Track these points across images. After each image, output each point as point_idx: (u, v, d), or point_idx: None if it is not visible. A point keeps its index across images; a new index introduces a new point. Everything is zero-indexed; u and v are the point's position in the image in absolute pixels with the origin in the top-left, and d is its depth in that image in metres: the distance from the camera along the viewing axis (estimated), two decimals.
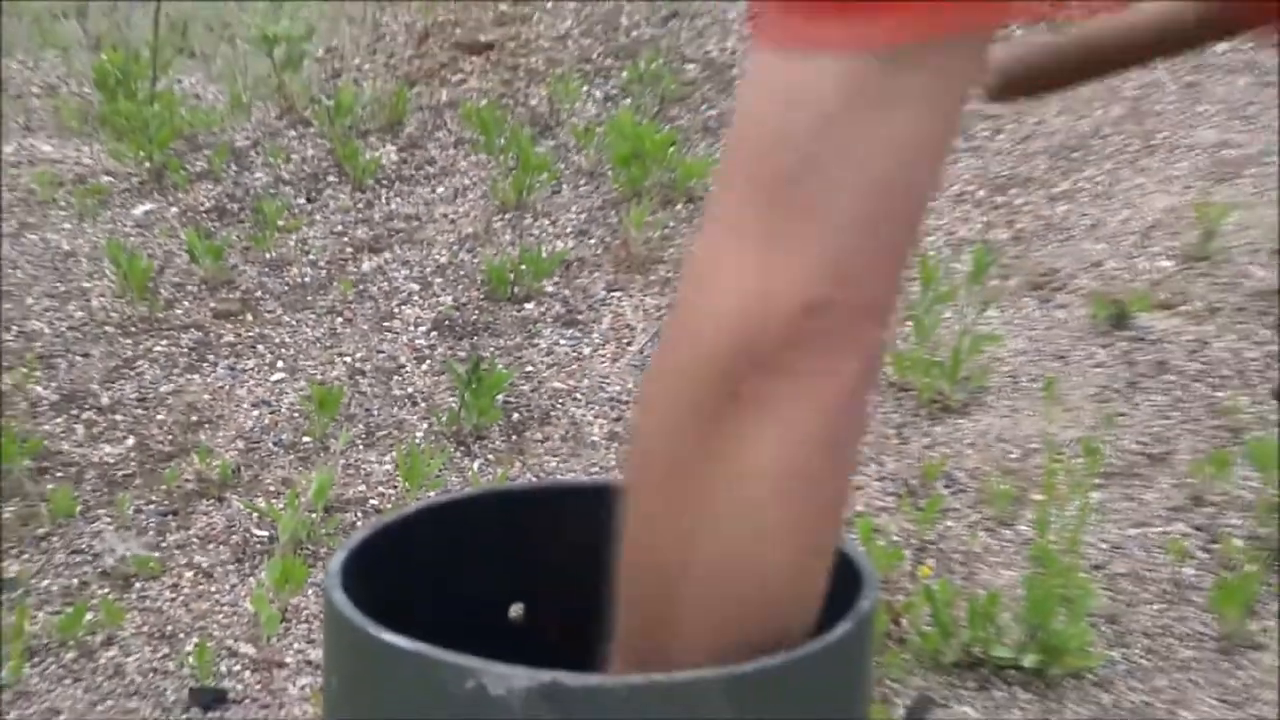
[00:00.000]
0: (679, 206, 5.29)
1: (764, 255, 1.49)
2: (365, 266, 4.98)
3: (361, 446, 4.25)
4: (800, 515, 1.55)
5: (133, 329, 4.62)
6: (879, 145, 1.52)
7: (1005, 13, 1.55)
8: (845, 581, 1.88)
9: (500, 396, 4.37)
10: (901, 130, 1.53)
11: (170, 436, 4.26)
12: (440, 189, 5.21)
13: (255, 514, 3.96)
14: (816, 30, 1.49)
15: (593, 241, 5.06)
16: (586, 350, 4.63)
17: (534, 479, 4.08)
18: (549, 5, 6.11)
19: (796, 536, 1.60)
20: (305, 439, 4.27)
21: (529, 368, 4.59)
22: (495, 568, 2.11)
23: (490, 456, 4.23)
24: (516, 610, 2.09)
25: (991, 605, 3.52)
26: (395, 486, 4.08)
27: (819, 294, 1.50)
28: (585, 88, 5.69)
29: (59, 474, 4.09)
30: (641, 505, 1.63)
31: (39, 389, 4.39)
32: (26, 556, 3.83)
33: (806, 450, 1.57)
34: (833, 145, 1.52)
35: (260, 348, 4.58)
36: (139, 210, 5.14)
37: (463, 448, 4.24)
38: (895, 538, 3.87)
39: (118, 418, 4.34)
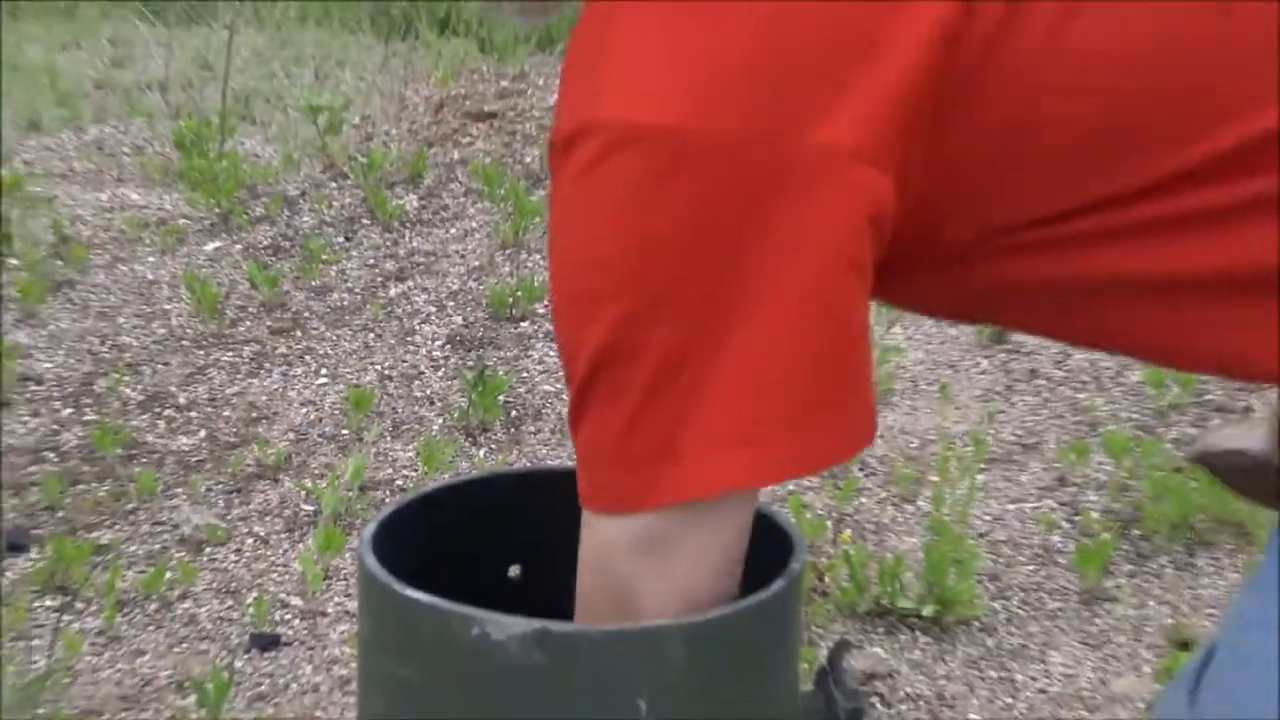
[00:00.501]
0: None
1: None
2: (392, 292, 4.96)
3: (389, 438, 4.24)
4: None
5: (204, 342, 4.61)
6: (668, 583, 1.62)
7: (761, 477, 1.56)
8: (779, 546, 1.86)
9: (501, 397, 4.35)
10: (680, 567, 1.61)
11: (234, 429, 4.25)
12: (453, 230, 5.20)
13: (303, 492, 3.96)
14: (608, 500, 1.58)
15: None
16: None
17: (529, 464, 4.10)
18: (540, 82, 6.11)
19: None
20: (343, 431, 4.25)
21: (524, 374, 4.56)
22: (499, 536, 2.10)
23: (493, 446, 4.21)
24: (514, 570, 2.10)
25: (897, 566, 3.53)
26: (416, 470, 4.07)
27: None
28: None
29: (144, 460, 4.08)
30: None
31: (128, 391, 4.37)
32: (118, 527, 3.81)
33: None
34: (636, 581, 1.62)
35: (307, 358, 4.57)
36: (209, 247, 5.13)
37: (471, 439, 4.22)
38: (819, 511, 3.86)
39: (192, 414, 4.33)
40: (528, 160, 5.64)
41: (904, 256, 1.50)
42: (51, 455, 4.11)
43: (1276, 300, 1.50)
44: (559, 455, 4.18)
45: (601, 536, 1.62)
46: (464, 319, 4.84)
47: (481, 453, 4.20)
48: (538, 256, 5.11)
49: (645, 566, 1.61)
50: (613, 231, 1.44)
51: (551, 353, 4.59)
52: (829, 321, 1.46)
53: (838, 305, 1.46)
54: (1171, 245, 1.49)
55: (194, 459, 4.11)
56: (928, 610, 3.50)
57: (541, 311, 4.76)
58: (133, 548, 3.75)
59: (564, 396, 4.47)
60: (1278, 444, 2.25)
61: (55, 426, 4.23)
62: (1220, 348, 1.59)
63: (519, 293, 4.88)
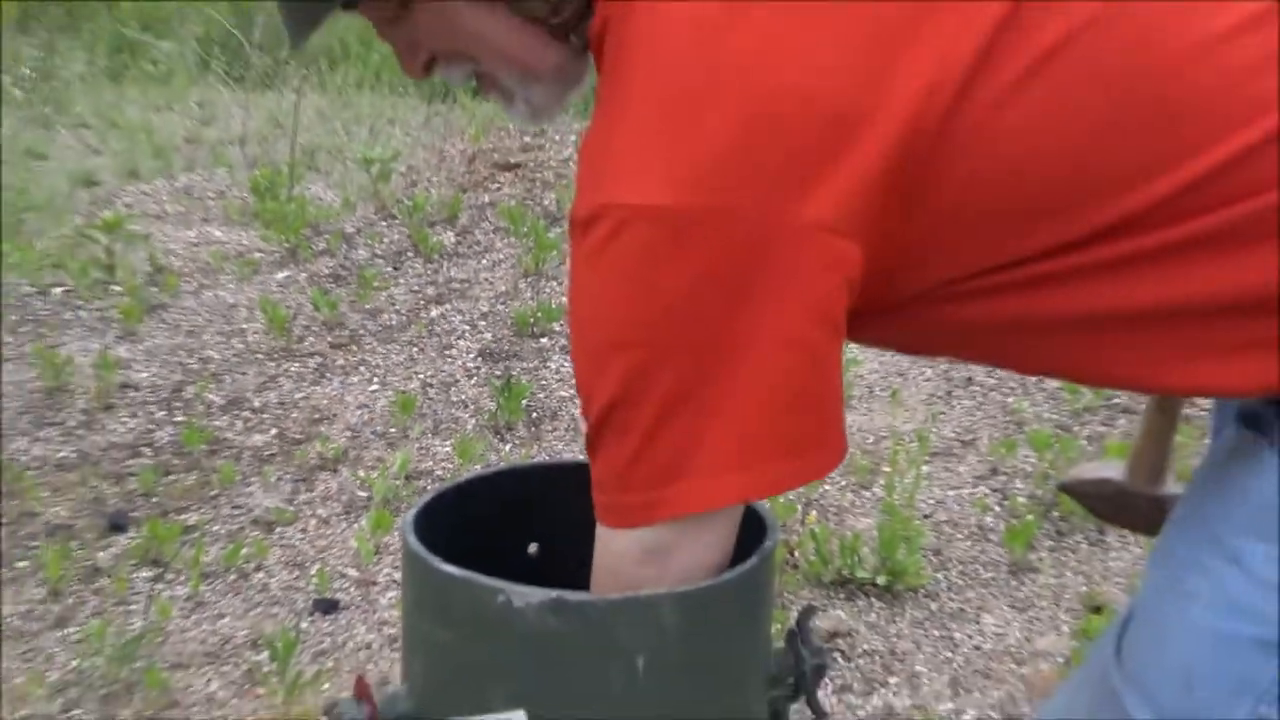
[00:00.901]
0: None
1: None
2: (433, 313, 4.97)
3: (430, 435, 4.23)
4: None
5: (275, 355, 4.62)
6: (668, 582, 1.65)
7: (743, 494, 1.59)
8: (755, 528, 1.86)
9: (524, 401, 4.34)
10: (678, 568, 1.65)
11: (300, 428, 4.26)
12: (483, 261, 5.21)
13: (358, 481, 3.95)
14: (617, 517, 1.61)
15: None
16: None
17: (547, 458, 4.09)
18: (556, 138, 6.11)
19: None
20: (391, 430, 4.25)
21: (544, 382, 4.57)
22: (521, 519, 2.11)
23: (517, 442, 4.21)
24: (533, 548, 2.10)
25: (855, 542, 3.53)
26: (452, 463, 4.07)
27: None
28: None
29: (225, 454, 4.10)
30: None
31: (211, 396, 4.38)
32: (202, 510, 3.81)
33: None
34: (643, 583, 1.64)
35: (362, 368, 4.57)
36: (280, 275, 5.14)
37: (498, 436, 4.21)
38: (790, 497, 3.85)
39: (265, 416, 4.35)
40: (546, 203, 5.65)
41: (863, 303, 1.53)
42: (147, 450, 4.13)
43: (1180, 329, 1.55)
44: (573, 450, 4.18)
45: (613, 548, 1.65)
46: (493, 335, 4.85)
47: (507, 448, 4.20)
48: (555, 283, 5.11)
49: (650, 570, 1.65)
50: (623, 297, 1.47)
51: (566, 363, 4.56)
52: (809, 366, 1.50)
53: (817, 352, 1.50)
54: (1082, 290, 1.53)
55: (266, 453, 4.14)
56: (881, 579, 3.51)
57: (558, 329, 4.77)
58: (215, 527, 3.77)
59: (576, 400, 4.48)
60: (1138, 472, 2.24)
61: (150, 426, 4.26)
62: (1131, 371, 1.61)
63: (539, 313, 4.89)
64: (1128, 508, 2.27)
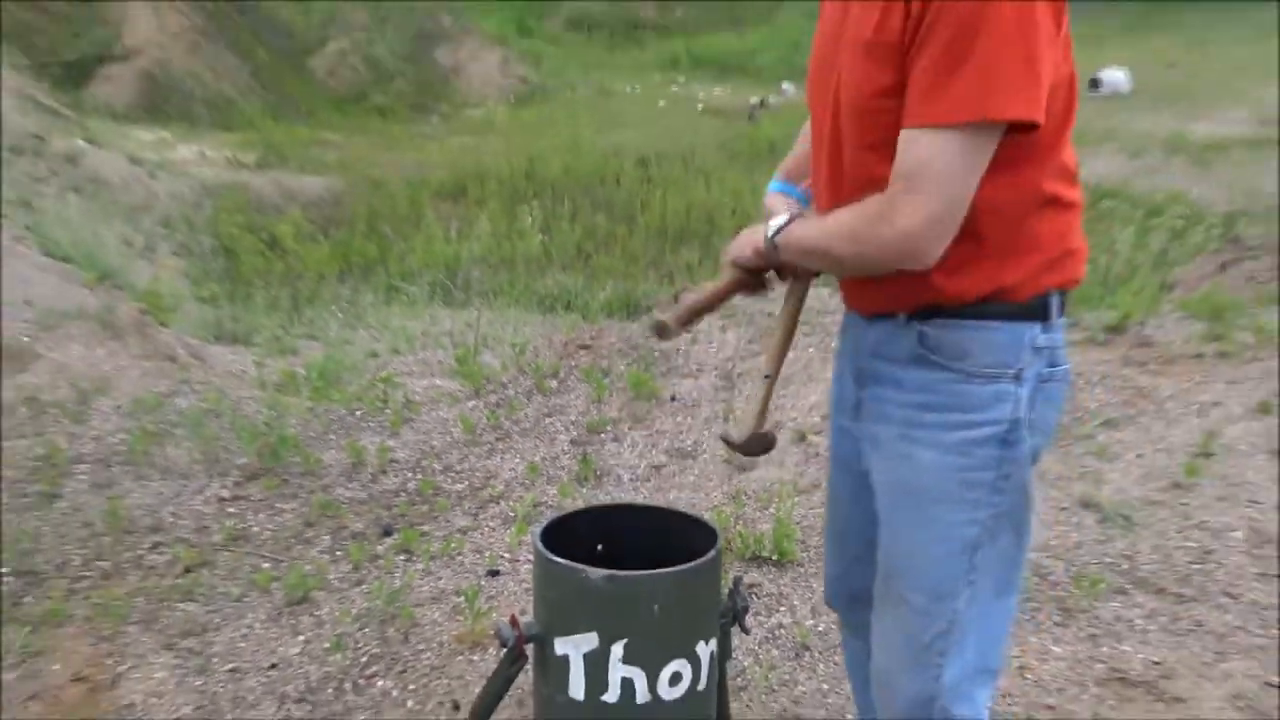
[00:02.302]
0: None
1: None
2: (546, 422, 4.77)
3: (545, 484, 4.15)
4: None
5: (467, 444, 4.52)
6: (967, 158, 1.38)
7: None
8: (707, 535, 1.98)
9: (594, 468, 4.25)
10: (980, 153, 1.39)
11: (480, 480, 4.18)
12: (570, 396, 5.11)
13: (509, 508, 3.95)
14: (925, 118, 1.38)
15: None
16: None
17: (610, 500, 3.98)
18: (611, 332, 5.94)
19: None
20: (526, 480, 4.16)
21: (606, 457, 4.40)
22: (596, 530, 2.12)
23: (590, 489, 4.11)
24: (600, 547, 2.09)
25: (761, 538, 3.55)
26: (556, 500, 4.01)
27: None
28: (622, 364, 5.57)
29: (442, 495, 4.05)
30: None
31: (435, 464, 4.31)
32: (431, 524, 3.82)
33: None
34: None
35: (511, 451, 4.46)
36: (469, 404, 5.04)
37: (581, 485, 4.14)
38: (727, 515, 3.82)
39: (462, 473, 4.23)
40: (604, 365, 5.42)
41: None
42: (404, 492, 4.04)
43: None
44: (618, 496, 4.06)
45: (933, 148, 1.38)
46: (577, 432, 4.64)
47: (585, 490, 4.10)
48: (611, 408, 4.91)
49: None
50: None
51: (619, 447, 4.51)
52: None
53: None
54: None
55: (462, 494, 4.08)
56: (775, 557, 3.51)
57: (609, 429, 4.63)
58: (437, 532, 3.77)
59: (623, 469, 4.31)
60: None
61: (405, 480, 4.12)
62: None
63: (603, 422, 4.68)
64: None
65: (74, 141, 9.93)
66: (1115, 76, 16.82)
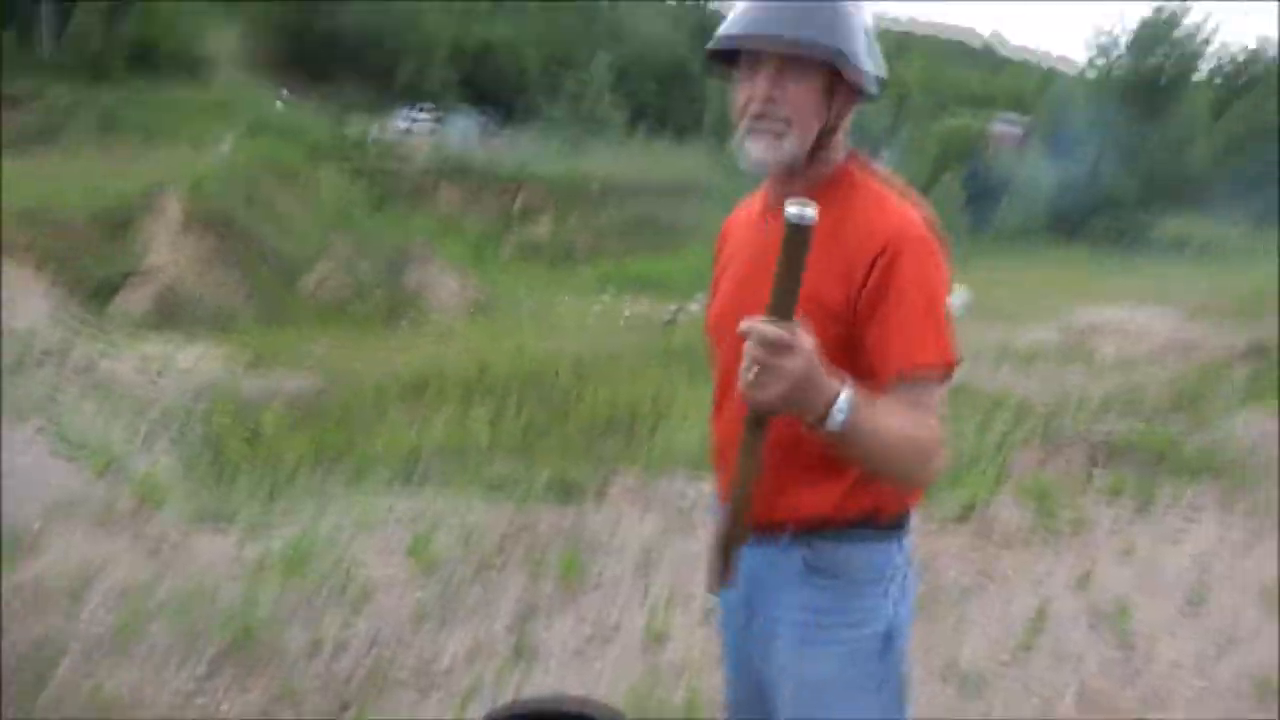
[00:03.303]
0: None
1: None
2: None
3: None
4: None
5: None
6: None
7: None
8: None
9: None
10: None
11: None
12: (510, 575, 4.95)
13: (457, 685, 3.69)
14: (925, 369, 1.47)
15: None
16: None
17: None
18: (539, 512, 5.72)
19: None
20: None
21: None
22: None
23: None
24: None
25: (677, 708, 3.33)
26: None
27: None
28: (556, 546, 5.34)
29: None
30: None
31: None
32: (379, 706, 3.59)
33: None
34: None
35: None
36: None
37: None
38: None
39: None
40: (544, 544, 5.13)
41: None
42: None
43: None
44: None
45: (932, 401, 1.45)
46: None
47: None
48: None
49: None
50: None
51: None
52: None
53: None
54: None
55: (413, 673, 3.75)
56: None
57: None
58: (388, 711, 3.46)
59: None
60: None
61: None
62: None
63: None
64: None
65: (93, 350, 9.87)
66: (960, 296, 17.63)
